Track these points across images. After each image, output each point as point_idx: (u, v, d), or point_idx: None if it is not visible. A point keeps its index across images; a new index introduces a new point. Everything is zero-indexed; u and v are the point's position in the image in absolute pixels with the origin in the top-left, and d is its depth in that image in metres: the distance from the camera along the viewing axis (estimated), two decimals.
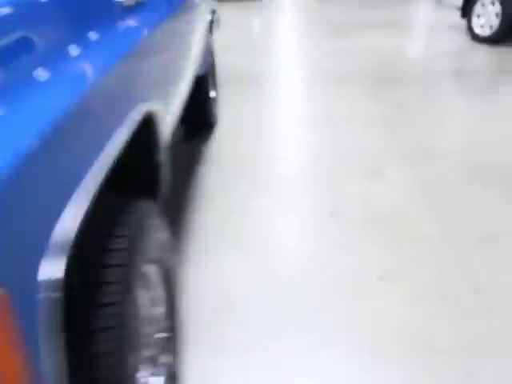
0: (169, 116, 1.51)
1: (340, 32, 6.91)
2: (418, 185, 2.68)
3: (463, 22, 6.70)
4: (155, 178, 1.38)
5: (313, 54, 5.96)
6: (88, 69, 0.88)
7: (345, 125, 3.59)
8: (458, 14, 6.49)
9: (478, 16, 5.93)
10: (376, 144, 3.23)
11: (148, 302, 1.34)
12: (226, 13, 9.24)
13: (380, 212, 2.43)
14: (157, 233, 1.26)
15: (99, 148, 0.87)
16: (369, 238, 2.22)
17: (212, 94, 3.38)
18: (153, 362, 1.35)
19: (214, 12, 3.35)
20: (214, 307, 1.83)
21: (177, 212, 2.47)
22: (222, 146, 3.23)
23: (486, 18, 5.80)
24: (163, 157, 1.37)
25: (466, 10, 6.10)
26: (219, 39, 6.61)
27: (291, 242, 2.22)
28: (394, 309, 1.80)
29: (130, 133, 1.01)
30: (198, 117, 3.18)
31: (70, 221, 0.73)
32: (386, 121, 3.61)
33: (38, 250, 0.65)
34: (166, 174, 1.41)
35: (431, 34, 7.17)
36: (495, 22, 5.66)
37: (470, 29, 6.09)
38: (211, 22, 3.37)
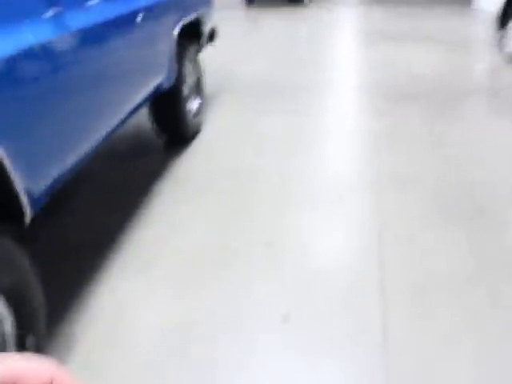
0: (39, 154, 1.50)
1: (374, 43, 6.71)
2: (375, 217, 2.52)
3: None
4: (14, 207, 1.39)
5: (344, 64, 5.83)
6: None
7: (333, 144, 3.48)
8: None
9: None
10: (355, 167, 3.09)
11: None
12: (265, 20, 9.24)
13: (318, 249, 2.31)
14: None
15: None
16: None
17: (191, 105, 3.37)
18: None
19: (199, 24, 3.34)
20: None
21: (114, 229, 2.47)
22: (193, 160, 3.21)
23: None
24: (19, 187, 1.37)
25: (503, 23, 5.69)
26: (244, 47, 6.63)
27: (211, 275, 2.16)
28: (289, 357, 1.70)
29: None
30: (170, 129, 3.19)
31: None
32: (382, 142, 3.44)
33: None
34: (26, 204, 1.41)
35: (467, 48, 6.78)
36: None
37: (505, 44, 5.68)
38: (197, 35, 3.37)
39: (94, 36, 1.81)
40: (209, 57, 4.32)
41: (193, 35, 3.31)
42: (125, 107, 2.18)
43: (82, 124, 1.78)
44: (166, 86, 2.81)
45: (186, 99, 3.19)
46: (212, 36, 3.83)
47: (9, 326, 1.36)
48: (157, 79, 2.63)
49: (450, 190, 2.76)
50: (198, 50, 3.50)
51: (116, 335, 1.80)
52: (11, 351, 1.37)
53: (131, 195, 2.77)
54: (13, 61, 1.35)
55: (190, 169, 3.09)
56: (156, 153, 3.35)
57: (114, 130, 2.11)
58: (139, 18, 2.22)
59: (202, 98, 3.57)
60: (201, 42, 3.49)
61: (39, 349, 1.47)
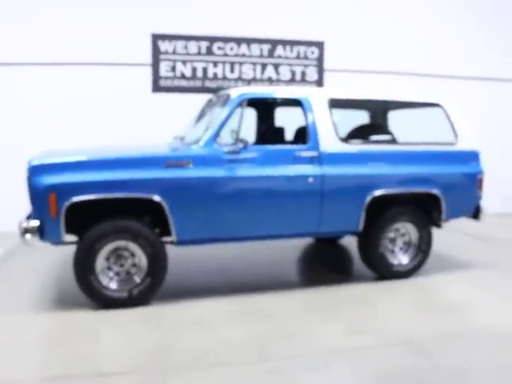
0: None
1: None
2: None
3: None
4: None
5: None
6: None
7: None
8: None
9: None
10: None
11: None
12: None
13: None
14: None
15: None
16: None
17: (398, 255, 4.33)
18: None
19: (427, 198, 4.28)
20: None
21: None
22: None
23: None
24: (172, 224, 3.83)
25: None
26: None
27: None
28: None
29: None
30: (366, 263, 4.36)
31: None
32: None
33: None
34: (174, 234, 3.82)
35: None
36: None
37: None
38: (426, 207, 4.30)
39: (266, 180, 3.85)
40: None
41: (410, 203, 4.33)
42: (265, 227, 3.90)
43: (223, 219, 3.87)
44: (350, 230, 4.16)
45: (387, 247, 4.30)
46: (476, 213, 4.33)
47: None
48: (333, 224, 4.07)
49: None
50: (419, 217, 4.38)
51: None
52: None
53: None
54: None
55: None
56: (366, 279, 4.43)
57: (249, 237, 3.95)
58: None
59: (419, 256, 4.39)
60: (436, 214, 4.35)
61: (149, 288, 3.70)
